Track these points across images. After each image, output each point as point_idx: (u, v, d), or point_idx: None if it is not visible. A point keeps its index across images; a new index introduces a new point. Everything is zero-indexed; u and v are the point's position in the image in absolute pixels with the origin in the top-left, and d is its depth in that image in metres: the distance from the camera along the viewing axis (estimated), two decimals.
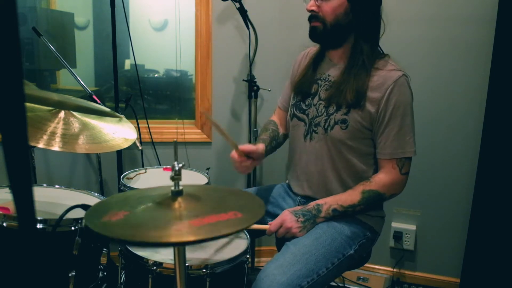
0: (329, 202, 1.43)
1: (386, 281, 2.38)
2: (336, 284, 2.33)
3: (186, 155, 2.46)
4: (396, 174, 1.41)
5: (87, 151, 1.54)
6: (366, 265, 1.64)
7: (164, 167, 2.06)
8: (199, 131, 2.46)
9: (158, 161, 2.43)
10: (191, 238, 0.77)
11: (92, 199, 1.57)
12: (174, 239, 0.78)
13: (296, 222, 1.39)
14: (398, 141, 1.39)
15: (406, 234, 2.36)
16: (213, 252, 1.34)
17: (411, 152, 1.41)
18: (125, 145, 1.56)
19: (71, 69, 1.95)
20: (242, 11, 2.16)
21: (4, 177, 0.46)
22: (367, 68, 1.39)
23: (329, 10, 1.39)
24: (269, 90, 2.33)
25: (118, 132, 1.60)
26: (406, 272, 2.43)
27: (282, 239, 1.42)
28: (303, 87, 1.54)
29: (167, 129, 2.47)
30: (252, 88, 2.28)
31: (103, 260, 1.46)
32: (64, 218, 1.27)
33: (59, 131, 1.42)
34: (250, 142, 2.35)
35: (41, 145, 1.33)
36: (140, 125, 2.31)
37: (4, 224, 1.26)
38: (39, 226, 1.28)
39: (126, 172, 1.92)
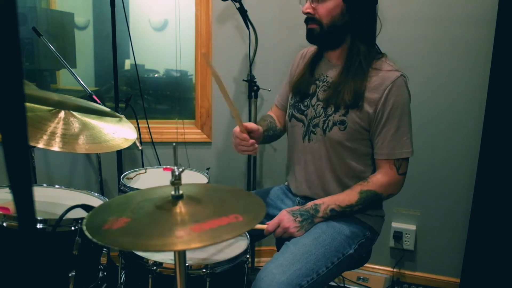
0: (327, 202, 1.43)
1: (386, 281, 2.38)
2: (336, 284, 2.33)
3: (186, 155, 2.46)
4: (393, 174, 1.42)
5: (87, 151, 1.53)
6: (366, 265, 1.64)
7: (164, 167, 2.06)
8: (199, 131, 2.46)
9: (158, 161, 2.43)
10: (193, 245, 0.77)
11: (92, 199, 1.57)
12: (176, 248, 0.78)
13: (293, 222, 1.39)
14: (395, 141, 1.39)
15: (406, 234, 2.36)
16: (213, 252, 1.34)
17: (408, 153, 1.41)
18: (125, 145, 1.56)
19: (71, 69, 1.95)
20: (242, 11, 2.16)
21: (4, 177, 0.46)
22: (365, 69, 1.39)
23: (324, 12, 1.39)
24: (269, 90, 2.33)
25: (118, 132, 1.60)
26: (406, 272, 2.43)
27: (281, 239, 1.42)
28: (301, 88, 1.54)
29: (167, 129, 2.47)
30: (252, 88, 2.28)
31: (103, 260, 1.46)
32: (64, 218, 1.27)
33: (59, 131, 1.42)
34: None
35: (41, 145, 1.33)
36: (140, 125, 2.31)
37: (4, 224, 1.26)
38: (39, 226, 1.28)
39: (126, 172, 1.92)
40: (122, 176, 1.87)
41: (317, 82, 1.51)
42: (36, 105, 1.51)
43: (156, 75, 2.59)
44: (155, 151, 2.42)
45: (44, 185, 1.77)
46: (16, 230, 1.24)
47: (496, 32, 1.96)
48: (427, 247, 2.36)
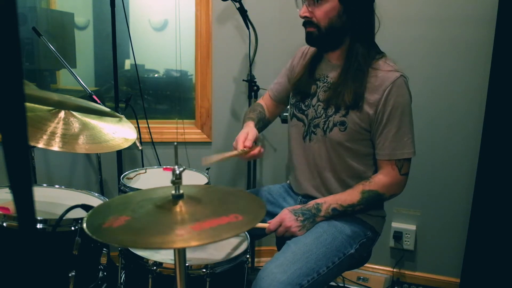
0: (328, 202, 1.43)
1: (386, 281, 2.38)
2: (336, 284, 2.33)
3: (186, 155, 2.46)
4: (395, 175, 1.41)
5: (87, 151, 1.53)
6: (366, 265, 1.64)
7: (164, 167, 2.06)
8: (199, 131, 2.46)
9: (158, 161, 2.43)
10: (193, 243, 0.78)
11: (92, 199, 1.57)
12: (176, 245, 0.78)
13: (295, 221, 1.39)
14: (396, 142, 1.39)
15: (406, 234, 2.36)
16: (213, 252, 1.34)
17: (409, 153, 1.41)
18: (125, 145, 1.56)
19: (71, 69, 1.95)
20: (242, 11, 2.16)
21: (4, 177, 0.46)
22: (364, 69, 1.39)
23: (322, 14, 1.38)
24: None
25: (118, 132, 1.60)
26: (406, 272, 2.43)
27: (282, 238, 1.42)
28: (301, 88, 1.54)
29: (167, 129, 2.46)
30: (252, 88, 2.28)
31: (103, 260, 1.46)
32: (64, 218, 1.27)
33: (59, 131, 1.42)
34: None
35: (41, 145, 1.33)
36: (140, 125, 2.31)
37: (4, 224, 1.26)
38: (39, 226, 1.28)
39: (126, 172, 1.92)
40: (122, 176, 1.87)
41: (318, 82, 1.51)
42: (36, 105, 1.51)
43: (156, 75, 2.59)
44: (155, 151, 2.42)
45: (44, 185, 1.77)
46: (16, 230, 1.24)
47: (496, 32, 1.96)
48: (427, 247, 2.36)
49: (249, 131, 1.49)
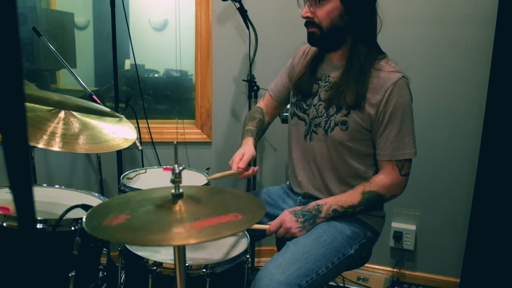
0: (329, 203, 1.43)
1: (386, 281, 2.38)
2: (336, 284, 2.33)
3: (186, 155, 2.46)
4: (396, 175, 1.41)
5: (87, 151, 1.53)
6: (366, 265, 1.64)
7: (164, 167, 2.05)
8: (199, 131, 2.46)
9: (158, 161, 2.43)
10: (192, 241, 0.78)
11: (92, 199, 1.57)
12: (175, 243, 0.78)
13: (295, 222, 1.39)
14: (397, 142, 1.39)
15: (406, 234, 2.36)
16: (213, 252, 1.34)
17: (410, 154, 1.41)
18: (125, 145, 1.56)
19: (71, 69, 1.95)
20: (242, 11, 2.16)
21: (4, 177, 0.46)
22: (366, 70, 1.39)
23: (323, 15, 1.38)
24: None
25: (118, 132, 1.60)
26: (406, 272, 2.43)
27: (282, 239, 1.42)
28: (302, 86, 1.54)
29: (167, 129, 2.46)
30: (252, 88, 2.28)
31: (103, 260, 1.46)
32: (64, 218, 1.27)
33: (59, 131, 1.42)
34: None
35: (41, 145, 1.33)
36: (140, 125, 2.31)
37: (4, 224, 1.26)
38: (39, 226, 1.28)
39: (126, 172, 1.92)
40: (122, 176, 1.87)
41: (320, 81, 1.51)
42: (36, 105, 1.52)
43: (156, 75, 2.59)
44: (155, 151, 2.42)
45: (44, 185, 1.77)
46: (16, 230, 1.24)
47: (496, 32, 1.96)
48: (427, 247, 2.36)
49: (245, 151, 1.50)
